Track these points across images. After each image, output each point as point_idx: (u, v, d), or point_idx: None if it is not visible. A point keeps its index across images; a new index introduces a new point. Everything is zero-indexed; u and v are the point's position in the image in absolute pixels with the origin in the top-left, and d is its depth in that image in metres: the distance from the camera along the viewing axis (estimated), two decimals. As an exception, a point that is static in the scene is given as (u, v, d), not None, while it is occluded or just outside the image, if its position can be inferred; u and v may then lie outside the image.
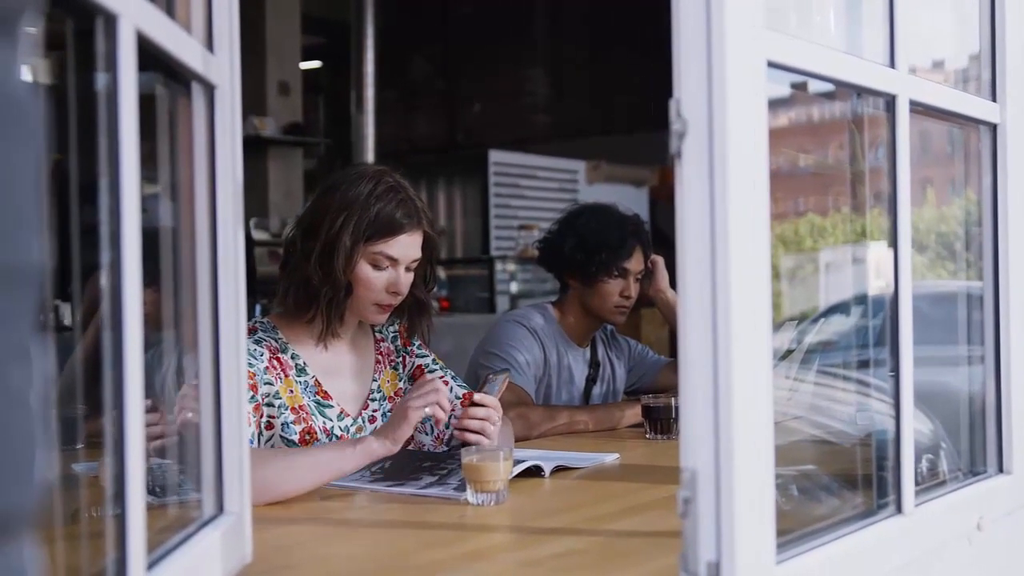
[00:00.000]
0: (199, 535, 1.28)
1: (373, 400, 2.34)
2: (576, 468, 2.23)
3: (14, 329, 0.51)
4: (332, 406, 2.25)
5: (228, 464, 1.37)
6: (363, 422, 2.30)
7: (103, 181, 1.00)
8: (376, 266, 2.21)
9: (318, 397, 2.23)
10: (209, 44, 1.34)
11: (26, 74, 0.56)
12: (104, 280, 1.00)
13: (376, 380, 2.36)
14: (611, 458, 2.36)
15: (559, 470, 2.19)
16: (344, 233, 2.16)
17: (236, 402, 1.38)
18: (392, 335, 2.44)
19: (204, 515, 1.35)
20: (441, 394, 2.01)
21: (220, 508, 1.37)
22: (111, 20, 0.99)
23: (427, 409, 1.99)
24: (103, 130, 1.00)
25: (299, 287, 2.21)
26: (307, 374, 2.23)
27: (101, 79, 1.01)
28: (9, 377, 0.50)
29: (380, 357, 2.39)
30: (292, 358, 2.23)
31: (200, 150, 1.35)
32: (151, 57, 1.11)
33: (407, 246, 2.23)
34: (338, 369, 2.30)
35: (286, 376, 2.20)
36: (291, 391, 2.19)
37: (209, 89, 1.34)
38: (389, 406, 2.35)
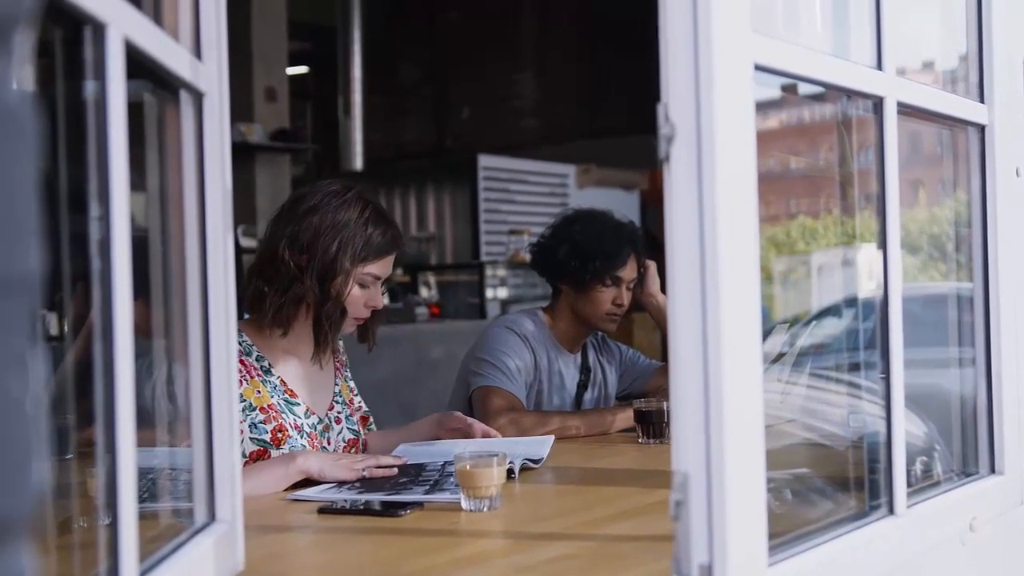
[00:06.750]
0: (191, 543, 1.27)
1: (337, 403, 2.45)
2: (536, 462, 2.26)
3: (12, 337, 0.52)
4: (299, 404, 2.34)
5: (220, 472, 1.37)
6: (330, 421, 2.40)
7: (92, 189, 1.00)
8: (362, 285, 2.32)
9: (286, 396, 2.32)
10: (197, 52, 1.34)
11: (21, 83, 0.56)
12: (94, 289, 1.00)
13: (337, 385, 2.47)
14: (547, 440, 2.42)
15: (526, 469, 2.22)
16: (342, 257, 2.26)
17: (227, 410, 1.38)
18: (342, 347, 2.56)
19: (196, 523, 1.34)
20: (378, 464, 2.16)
21: (212, 516, 1.36)
22: (99, 28, 0.99)
23: (366, 472, 2.13)
24: (92, 138, 1.00)
25: (291, 304, 2.28)
26: (273, 375, 2.31)
27: (89, 87, 1.01)
28: (7, 385, 0.51)
29: (339, 365, 2.51)
30: (257, 360, 2.30)
31: (189, 158, 1.34)
32: (138, 65, 1.11)
33: (390, 265, 2.37)
34: (304, 374, 2.38)
35: (252, 378, 2.27)
36: (258, 392, 2.27)
37: (198, 97, 1.34)
38: (349, 411, 2.47)
